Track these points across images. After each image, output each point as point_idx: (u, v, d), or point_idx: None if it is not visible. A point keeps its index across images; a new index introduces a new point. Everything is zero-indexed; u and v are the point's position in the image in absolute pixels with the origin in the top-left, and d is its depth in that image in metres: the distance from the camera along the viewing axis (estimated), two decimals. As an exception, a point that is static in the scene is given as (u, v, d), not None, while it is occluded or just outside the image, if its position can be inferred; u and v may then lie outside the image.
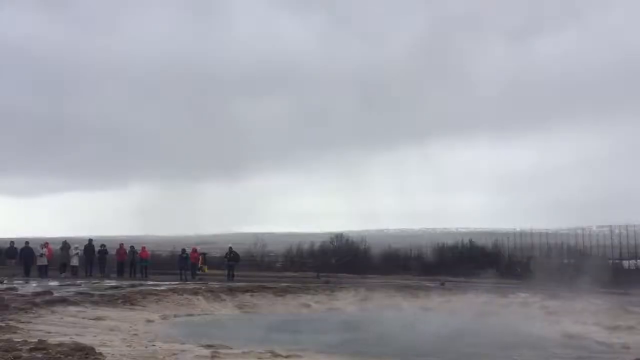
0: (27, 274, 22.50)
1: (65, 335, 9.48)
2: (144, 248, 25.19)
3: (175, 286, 18.60)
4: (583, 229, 30.30)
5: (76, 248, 24.20)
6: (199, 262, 25.67)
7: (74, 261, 23.79)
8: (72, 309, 13.10)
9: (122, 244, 25.22)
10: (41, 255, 23.12)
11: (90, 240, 24.75)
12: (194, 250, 25.54)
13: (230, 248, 25.08)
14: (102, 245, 24.78)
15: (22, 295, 14.45)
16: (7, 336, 8.64)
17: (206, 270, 25.58)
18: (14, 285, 17.48)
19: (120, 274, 24.08)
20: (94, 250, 24.38)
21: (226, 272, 24.28)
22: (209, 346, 8.72)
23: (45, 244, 23.92)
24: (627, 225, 28.35)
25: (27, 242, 23.78)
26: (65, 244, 24.41)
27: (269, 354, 8.17)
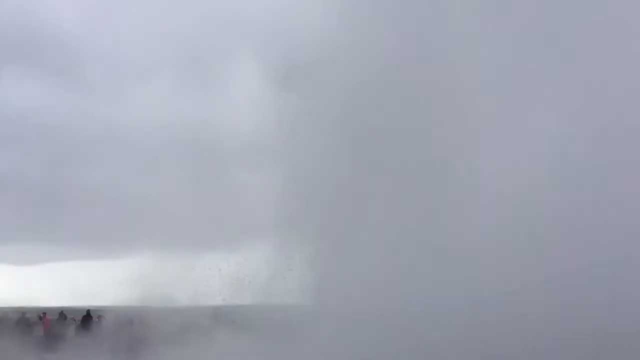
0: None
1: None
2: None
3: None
4: None
5: (72, 319, 23.80)
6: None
7: (71, 332, 23.34)
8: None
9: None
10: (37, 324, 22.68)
11: (88, 311, 24.36)
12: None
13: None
14: (100, 317, 24.36)
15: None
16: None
17: None
18: None
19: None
20: (91, 322, 23.96)
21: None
22: None
23: (42, 314, 23.55)
24: None
25: (23, 313, 23.42)
26: (62, 315, 24.03)
27: None
